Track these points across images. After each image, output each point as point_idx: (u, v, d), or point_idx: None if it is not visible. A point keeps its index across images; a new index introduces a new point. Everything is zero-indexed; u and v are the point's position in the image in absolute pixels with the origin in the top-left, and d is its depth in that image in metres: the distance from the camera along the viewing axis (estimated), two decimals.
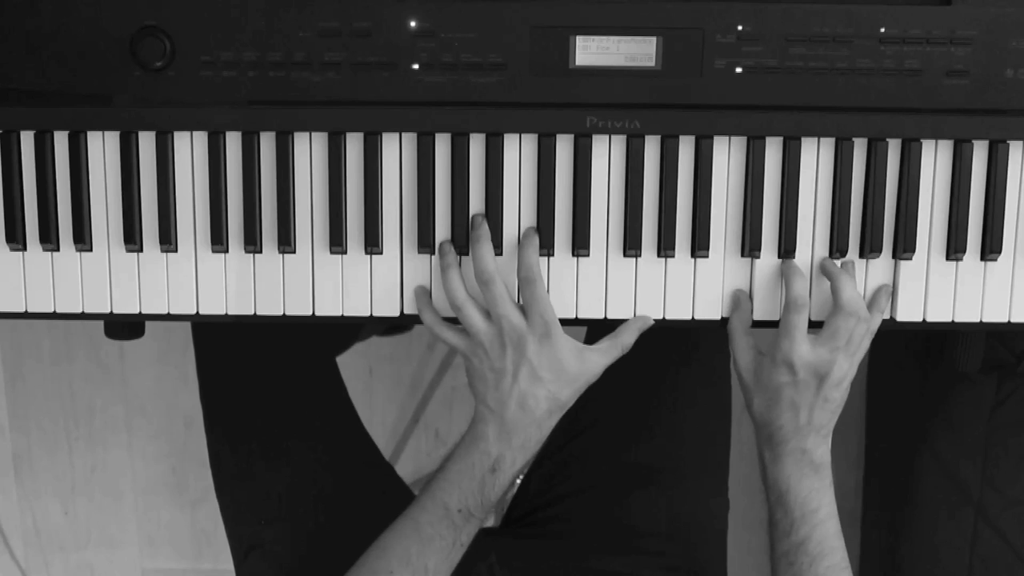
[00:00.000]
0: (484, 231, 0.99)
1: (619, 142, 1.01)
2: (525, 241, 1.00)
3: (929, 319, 1.04)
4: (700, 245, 1.01)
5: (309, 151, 1.01)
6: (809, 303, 1.01)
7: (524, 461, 1.01)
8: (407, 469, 1.96)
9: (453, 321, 1.01)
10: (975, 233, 1.02)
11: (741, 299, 1.02)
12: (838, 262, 1.02)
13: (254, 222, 1.01)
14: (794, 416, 1.00)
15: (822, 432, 1.01)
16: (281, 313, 1.03)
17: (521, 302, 1.00)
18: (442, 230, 1.02)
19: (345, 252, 1.02)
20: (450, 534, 0.99)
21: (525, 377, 0.98)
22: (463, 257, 1.01)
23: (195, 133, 1.01)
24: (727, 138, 1.01)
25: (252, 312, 1.03)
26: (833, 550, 1.01)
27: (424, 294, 1.02)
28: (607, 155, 1.01)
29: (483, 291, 0.98)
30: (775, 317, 1.03)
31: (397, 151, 1.01)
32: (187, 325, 1.24)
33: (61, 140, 1.01)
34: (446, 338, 1.01)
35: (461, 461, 1.00)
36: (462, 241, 1.01)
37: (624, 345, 1.02)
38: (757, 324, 1.03)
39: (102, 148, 1.01)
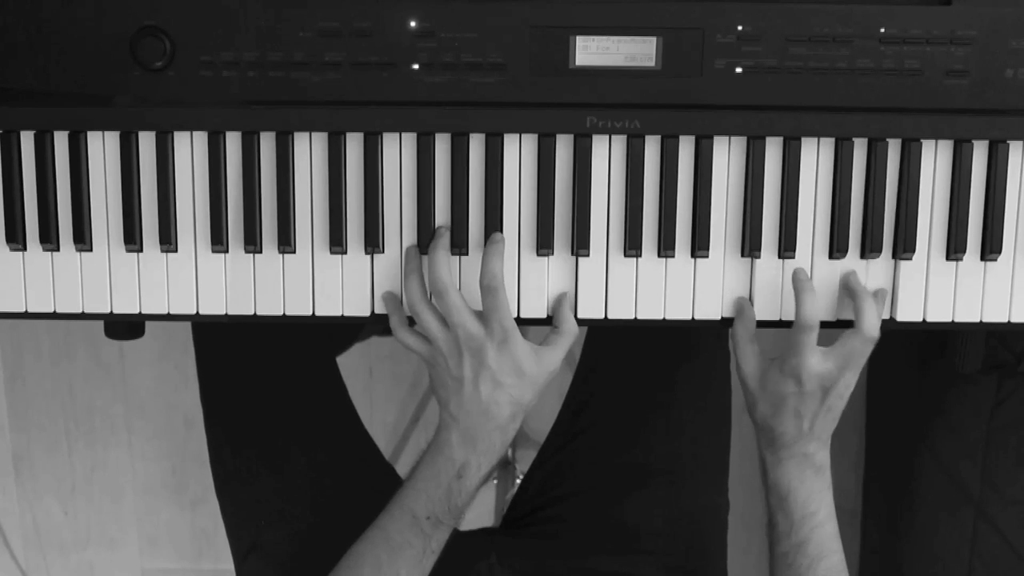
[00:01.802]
0: (443, 242, 0.99)
1: (619, 142, 1.01)
2: (490, 247, 0.99)
3: (929, 319, 1.04)
4: (700, 245, 1.01)
5: (309, 151, 1.01)
6: (818, 323, 0.99)
7: (490, 466, 1.01)
8: (407, 469, 1.95)
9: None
10: (975, 233, 1.02)
11: (744, 307, 1.02)
12: (857, 268, 1.01)
13: (254, 222, 1.01)
14: (797, 424, 1.00)
15: (823, 438, 1.02)
16: (281, 313, 1.03)
17: (482, 308, 0.99)
18: None
19: (345, 252, 1.02)
20: (420, 542, 1.00)
21: (486, 384, 0.98)
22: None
23: (195, 133, 1.01)
24: (727, 138, 1.01)
25: (252, 312, 1.03)
26: (832, 552, 1.01)
27: (393, 299, 1.02)
28: (607, 155, 1.01)
29: (437, 302, 0.98)
30: (776, 317, 1.03)
31: (397, 151, 1.01)
32: (187, 325, 1.24)
33: (61, 140, 1.01)
34: (409, 343, 1.01)
35: (427, 469, 1.01)
36: (461, 241, 1.01)
37: (569, 330, 1.01)
38: (759, 324, 1.03)
39: (102, 148, 1.01)
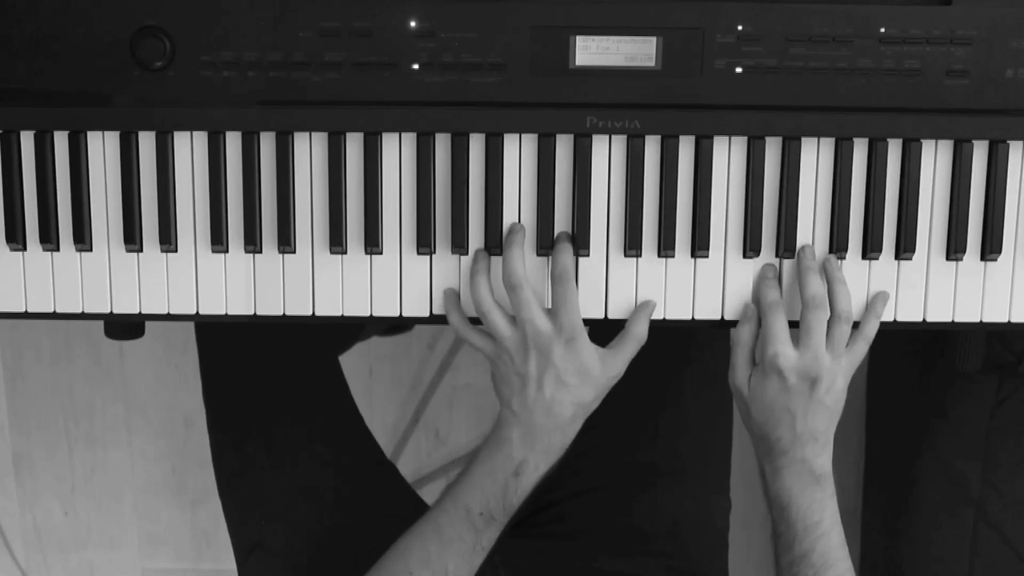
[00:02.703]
0: (519, 237, 0.99)
1: (619, 142, 1.01)
2: (559, 244, 1.00)
3: (929, 319, 1.04)
4: (700, 245, 1.01)
5: (309, 151, 1.01)
6: (779, 300, 1.00)
7: (548, 465, 1.01)
8: (407, 469, 1.96)
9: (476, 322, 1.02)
10: (975, 233, 1.02)
11: (750, 314, 1.02)
12: (818, 256, 1.02)
13: (254, 222, 1.01)
14: (791, 425, 1.00)
15: (820, 440, 1.01)
16: (281, 313, 1.03)
17: (550, 304, 0.99)
18: (442, 230, 1.02)
19: (345, 252, 1.02)
20: (471, 537, 1.00)
21: (551, 382, 0.98)
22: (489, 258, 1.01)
23: (195, 133, 1.01)
24: (727, 138, 1.01)
25: (252, 312, 1.03)
26: (837, 561, 1.01)
27: (453, 296, 1.02)
28: (607, 155, 1.01)
29: (510, 295, 0.98)
30: None
31: (397, 151, 1.01)
32: (188, 325, 1.24)
33: (61, 140, 1.01)
34: (472, 341, 1.01)
35: (484, 464, 1.00)
36: (461, 241, 1.01)
37: (639, 336, 1.01)
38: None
39: (102, 148, 1.01)
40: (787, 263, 1.03)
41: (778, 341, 0.98)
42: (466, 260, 1.02)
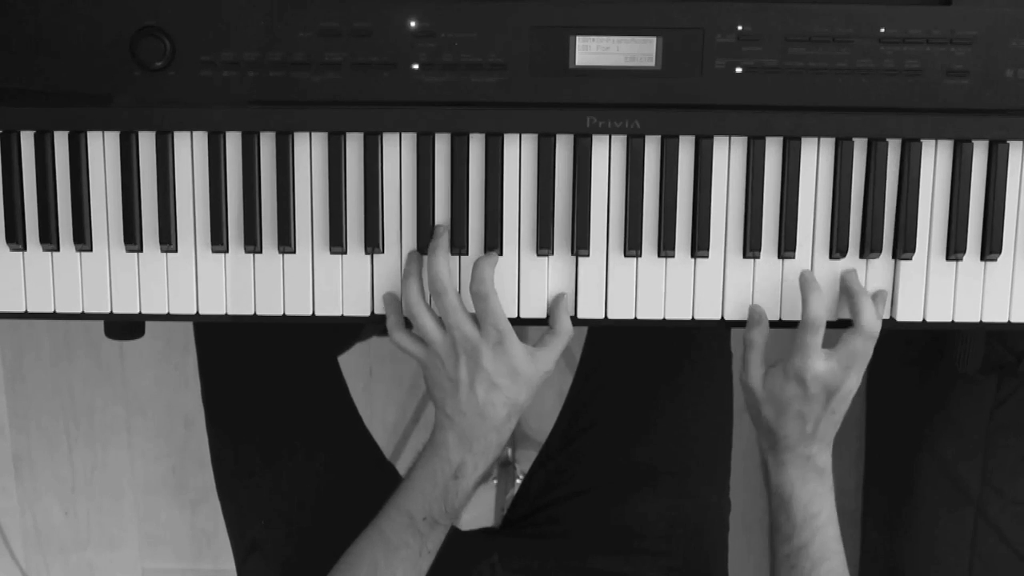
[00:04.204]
0: (442, 242, 0.99)
1: (619, 142, 1.01)
2: (483, 259, 0.99)
3: (929, 319, 1.04)
4: (700, 245, 1.01)
5: (309, 151, 1.01)
6: (824, 323, 0.99)
7: (486, 466, 1.01)
8: (407, 469, 1.96)
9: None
10: (975, 233, 1.02)
11: (761, 315, 1.02)
12: (857, 266, 1.01)
13: (254, 222, 1.01)
14: (801, 427, 1.00)
15: (825, 440, 1.02)
16: (281, 313, 1.03)
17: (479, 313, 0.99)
18: None
19: (345, 252, 1.02)
20: (416, 542, 1.00)
21: (482, 386, 0.98)
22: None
23: (195, 133, 1.01)
24: (727, 138, 1.01)
25: (252, 312, 1.03)
26: (833, 554, 1.02)
27: (392, 300, 1.02)
28: (607, 155, 1.01)
29: (435, 301, 0.98)
30: (775, 316, 1.03)
31: (397, 151, 1.01)
32: (188, 325, 1.24)
33: (61, 140, 1.01)
34: (405, 346, 1.01)
35: (423, 469, 1.01)
36: (461, 241, 1.01)
37: (564, 330, 1.01)
38: None
39: (102, 148, 1.01)
40: (788, 263, 1.03)
41: (811, 355, 0.98)
42: (467, 260, 1.01)
